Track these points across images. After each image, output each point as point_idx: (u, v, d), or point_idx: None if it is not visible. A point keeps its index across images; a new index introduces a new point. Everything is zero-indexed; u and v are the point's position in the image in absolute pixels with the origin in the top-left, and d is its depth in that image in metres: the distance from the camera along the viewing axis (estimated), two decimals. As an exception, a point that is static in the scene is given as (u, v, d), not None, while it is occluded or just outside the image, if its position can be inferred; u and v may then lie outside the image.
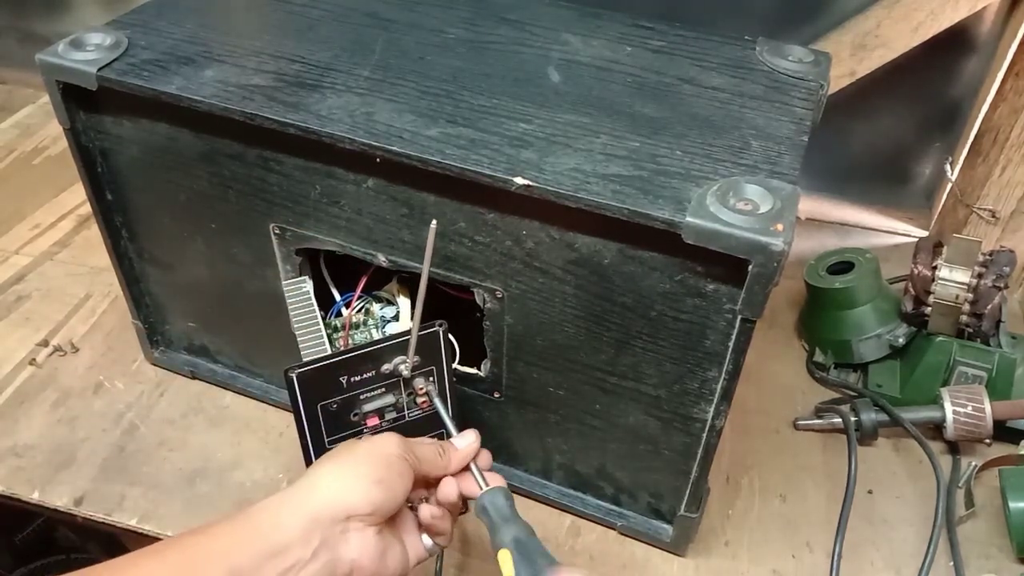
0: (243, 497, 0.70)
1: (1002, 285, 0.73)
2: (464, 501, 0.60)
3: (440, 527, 0.52)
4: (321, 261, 0.68)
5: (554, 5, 0.73)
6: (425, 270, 0.53)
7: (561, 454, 0.68)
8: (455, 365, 0.64)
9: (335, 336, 0.68)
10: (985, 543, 0.69)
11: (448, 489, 0.52)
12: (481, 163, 0.52)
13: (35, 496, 0.69)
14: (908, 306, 0.77)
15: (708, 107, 0.59)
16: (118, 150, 0.65)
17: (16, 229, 0.98)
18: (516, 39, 0.67)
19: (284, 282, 0.66)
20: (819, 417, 0.78)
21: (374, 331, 0.69)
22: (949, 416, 0.73)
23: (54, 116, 0.63)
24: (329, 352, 0.62)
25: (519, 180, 0.50)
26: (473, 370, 0.65)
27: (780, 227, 0.46)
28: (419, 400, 0.61)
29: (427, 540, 0.52)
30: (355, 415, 0.59)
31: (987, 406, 0.72)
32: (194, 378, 0.80)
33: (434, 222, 0.52)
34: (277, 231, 0.64)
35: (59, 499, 0.69)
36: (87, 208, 0.80)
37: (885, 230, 1.06)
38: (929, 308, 0.76)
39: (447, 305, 0.63)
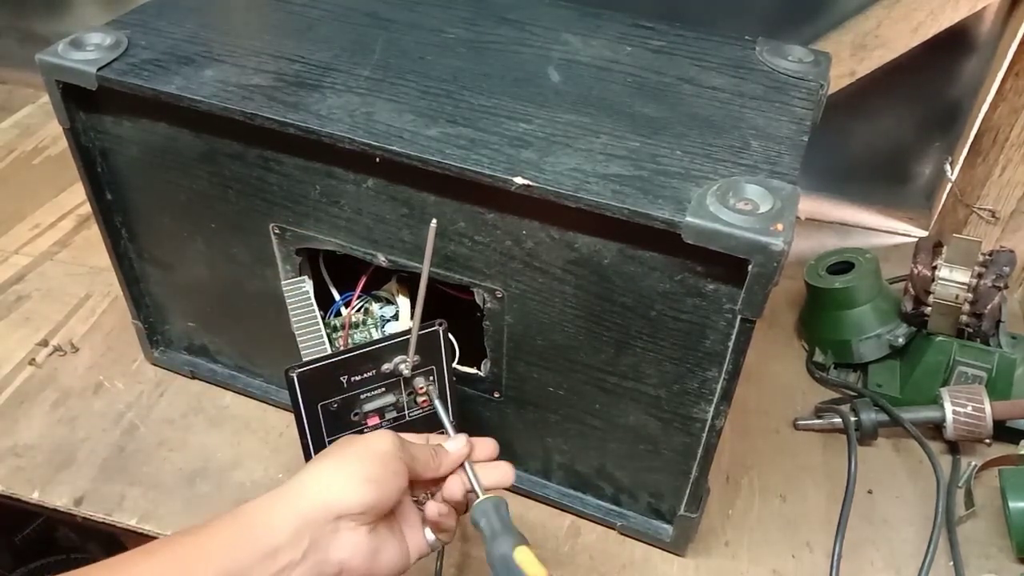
0: (243, 497, 0.69)
1: (1002, 285, 0.73)
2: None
3: (445, 524, 0.52)
4: (320, 261, 0.68)
5: (554, 5, 0.73)
6: (425, 269, 0.53)
7: (561, 454, 0.68)
8: (455, 364, 0.64)
9: (335, 336, 0.68)
10: (985, 543, 0.69)
11: (454, 488, 0.52)
12: (481, 163, 0.52)
13: (35, 496, 0.69)
14: (908, 306, 0.77)
15: (708, 107, 0.59)
16: (118, 150, 0.65)
17: (16, 229, 0.98)
18: (516, 39, 0.67)
19: (283, 282, 0.66)
20: (819, 417, 0.78)
21: (373, 331, 0.69)
22: (949, 416, 0.73)
23: (54, 116, 0.63)
24: (329, 352, 0.62)
25: (519, 180, 0.50)
26: (473, 370, 0.65)
27: (780, 227, 0.46)
28: (419, 399, 0.61)
29: (431, 535, 0.52)
30: (355, 415, 0.59)
31: (987, 406, 0.72)
32: (194, 378, 0.80)
33: (434, 221, 0.52)
34: (277, 231, 0.64)
35: (59, 499, 0.69)
36: (87, 208, 0.80)
37: (885, 230, 1.06)
38: (929, 308, 0.76)
39: (446, 305, 0.63)
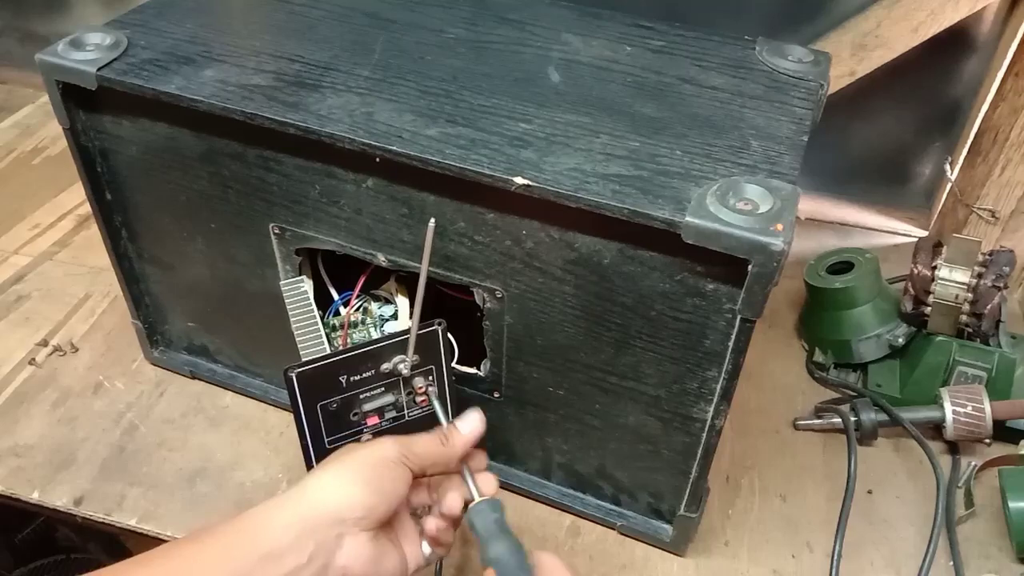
0: (243, 497, 0.70)
1: (1002, 285, 0.73)
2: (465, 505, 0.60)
3: (443, 538, 0.52)
4: (319, 260, 0.68)
5: (554, 5, 0.73)
6: (424, 269, 0.53)
7: (561, 454, 0.68)
8: (454, 364, 0.64)
9: (334, 335, 0.68)
10: (985, 543, 0.69)
11: (453, 503, 0.52)
12: (481, 163, 0.52)
13: (35, 496, 0.69)
14: (908, 306, 0.77)
15: (708, 107, 0.59)
16: (118, 150, 0.65)
17: (16, 229, 0.98)
18: (516, 39, 0.67)
19: (282, 282, 0.66)
20: (819, 417, 0.78)
21: (372, 330, 0.69)
22: (949, 416, 0.73)
23: (54, 116, 0.63)
24: (328, 351, 0.62)
25: (519, 180, 0.50)
26: (473, 370, 0.65)
27: (780, 227, 0.46)
28: (419, 399, 0.61)
29: (427, 548, 0.52)
30: (355, 415, 0.59)
31: (987, 406, 0.72)
32: (194, 378, 0.80)
33: (432, 221, 0.52)
34: (277, 231, 0.64)
35: (59, 499, 0.69)
36: (87, 208, 0.80)
37: (885, 230, 1.06)
38: (929, 308, 0.76)
39: (446, 305, 0.63)
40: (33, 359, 0.81)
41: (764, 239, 0.46)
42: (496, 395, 0.66)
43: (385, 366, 0.58)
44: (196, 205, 0.66)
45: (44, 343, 0.83)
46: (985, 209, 0.93)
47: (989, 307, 0.73)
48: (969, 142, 0.96)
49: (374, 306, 0.69)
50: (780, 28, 0.93)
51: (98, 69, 0.59)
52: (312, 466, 0.60)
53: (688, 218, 0.47)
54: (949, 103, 0.97)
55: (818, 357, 0.84)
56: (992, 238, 0.94)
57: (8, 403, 0.77)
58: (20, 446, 0.73)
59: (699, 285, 0.51)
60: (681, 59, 0.65)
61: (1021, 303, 0.93)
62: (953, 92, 0.96)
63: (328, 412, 0.58)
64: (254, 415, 0.77)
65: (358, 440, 0.60)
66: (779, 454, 0.76)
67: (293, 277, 0.66)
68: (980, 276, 0.74)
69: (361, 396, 0.59)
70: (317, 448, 0.59)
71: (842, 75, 0.90)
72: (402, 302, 0.69)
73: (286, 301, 0.65)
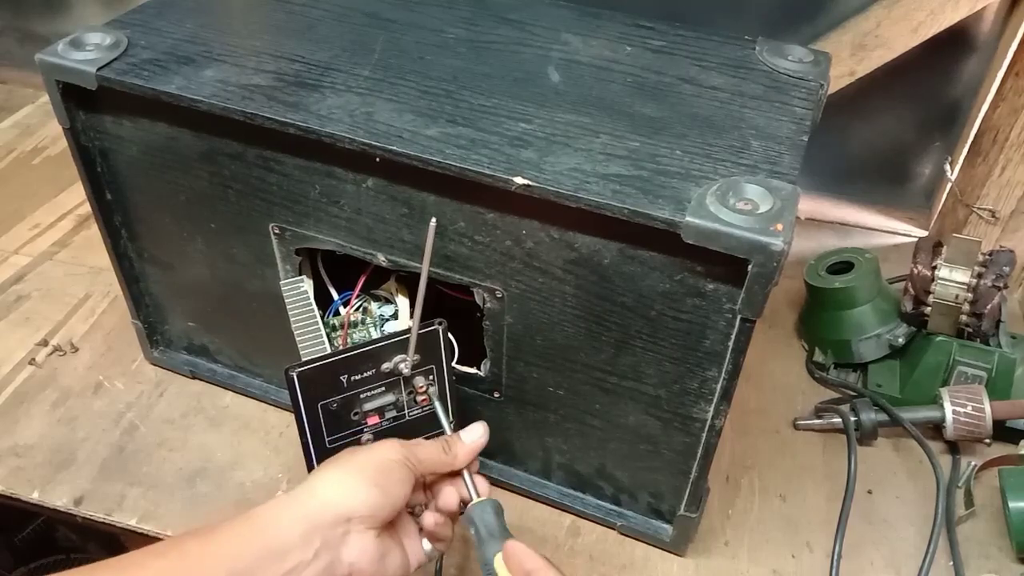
0: (243, 497, 0.70)
1: (1002, 285, 0.73)
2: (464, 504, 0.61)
3: (441, 533, 0.52)
4: (318, 260, 0.68)
5: (554, 5, 0.73)
6: (424, 268, 0.53)
7: (561, 454, 0.68)
8: (454, 364, 0.64)
9: (334, 335, 0.68)
10: (985, 543, 0.69)
11: (449, 498, 0.52)
12: (481, 163, 0.52)
13: (35, 496, 0.69)
14: (908, 306, 0.77)
15: (708, 107, 0.59)
16: (118, 150, 0.65)
17: (16, 229, 0.98)
18: (516, 39, 0.67)
19: (282, 282, 0.66)
20: (819, 417, 0.78)
21: (372, 330, 0.69)
22: (949, 416, 0.73)
23: (54, 116, 0.63)
24: (328, 351, 0.62)
25: (519, 180, 0.50)
26: (473, 370, 0.65)
27: (780, 227, 0.46)
28: (419, 399, 0.61)
29: (427, 545, 0.53)
30: (355, 414, 0.59)
31: (987, 406, 0.72)
32: (194, 378, 0.80)
33: (433, 220, 0.52)
34: (277, 231, 0.64)
35: (59, 499, 0.69)
36: (87, 208, 0.80)
37: (885, 230, 1.06)
38: (929, 308, 0.76)
39: (446, 305, 0.63)
40: (33, 359, 0.81)
41: (764, 239, 0.46)
42: (496, 395, 0.66)
43: (385, 366, 0.58)
44: (196, 205, 0.66)
45: (44, 343, 0.83)
46: (985, 209, 0.93)
47: (989, 307, 0.73)
48: (969, 142, 0.96)
49: (374, 306, 0.69)
50: (780, 28, 0.93)
51: (98, 69, 0.59)
52: (313, 466, 0.60)
53: (688, 218, 0.47)
54: (949, 103, 0.97)
55: (818, 357, 0.84)
56: (992, 238, 0.94)
57: (8, 403, 0.77)
58: (20, 446, 0.73)
59: (699, 285, 0.51)
60: (681, 59, 0.65)
61: (1021, 303, 0.93)
62: (953, 92, 0.96)
63: (328, 412, 0.58)
64: (254, 415, 0.77)
65: (358, 440, 0.60)
66: (779, 454, 0.76)
67: (293, 277, 0.66)
68: (980, 276, 0.74)
69: (361, 396, 0.59)
70: (317, 448, 0.59)
71: (842, 75, 0.90)
72: (402, 302, 0.69)
73: (286, 301, 0.65)
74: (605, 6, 0.72)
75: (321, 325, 0.64)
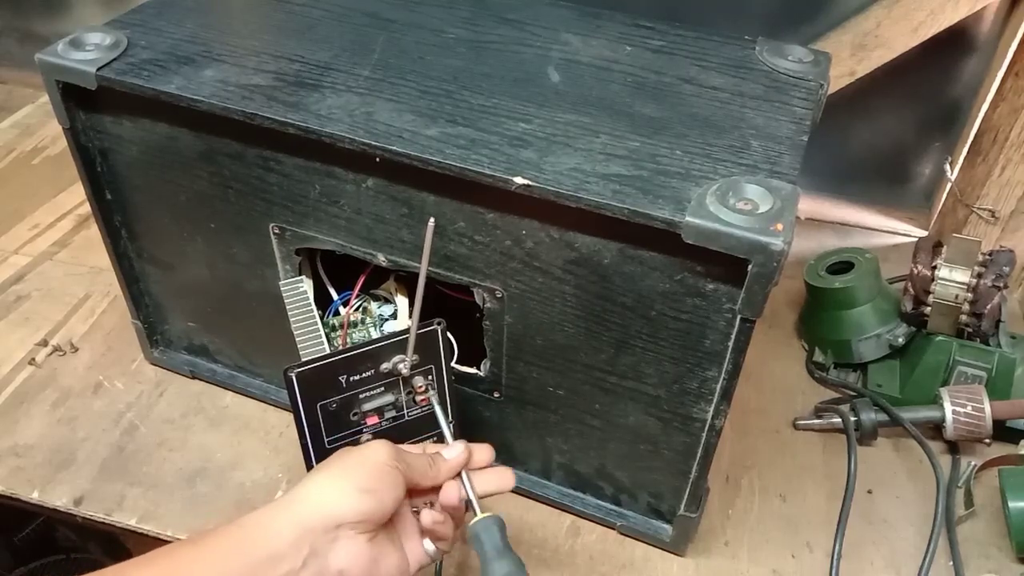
0: (243, 497, 0.70)
1: (1002, 285, 0.73)
2: (466, 505, 0.60)
3: (442, 532, 0.52)
4: (317, 260, 0.68)
5: (554, 5, 0.73)
6: (423, 268, 0.53)
7: (561, 454, 0.68)
8: (453, 364, 0.64)
9: (333, 335, 0.68)
10: (985, 543, 0.69)
11: (450, 494, 0.52)
12: (481, 163, 0.52)
13: (35, 496, 0.69)
14: (908, 306, 0.77)
15: (708, 107, 0.59)
16: (118, 150, 0.65)
17: (16, 229, 0.98)
18: (516, 39, 0.67)
19: (281, 282, 0.66)
20: (819, 417, 0.78)
21: (372, 330, 0.69)
22: (949, 416, 0.73)
23: (54, 116, 0.63)
24: (328, 351, 0.62)
25: (519, 180, 0.50)
26: (473, 370, 0.65)
27: (780, 227, 0.46)
28: (419, 399, 0.61)
29: (429, 545, 0.52)
30: (355, 414, 0.59)
31: (986, 406, 0.72)
32: (194, 378, 0.80)
33: (431, 220, 0.52)
34: (277, 231, 0.64)
35: (59, 499, 0.69)
36: (87, 208, 0.80)
37: (885, 230, 1.06)
38: (929, 308, 0.76)
39: (446, 305, 0.63)
40: (33, 359, 0.81)
41: (764, 239, 0.46)
42: (496, 395, 0.66)
43: (385, 366, 0.58)
44: (196, 205, 0.66)
45: (44, 343, 0.83)
46: (985, 209, 0.93)
47: (989, 307, 0.73)
48: (969, 142, 0.96)
49: (373, 306, 0.69)
50: (780, 28, 0.93)
51: (98, 69, 0.59)
52: (312, 466, 0.60)
53: (688, 218, 0.47)
54: (949, 103, 0.97)
55: (818, 357, 0.84)
56: (992, 238, 0.94)
57: (8, 403, 0.77)
58: (20, 446, 0.73)
59: (699, 285, 0.51)
60: (681, 59, 0.65)
61: (1021, 303, 0.93)
62: (953, 92, 0.96)
63: (328, 412, 0.58)
64: (254, 415, 0.77)
65: (358, 440, 0.60)
66: (779, 454, 0.76)
67: (292, 277, 0.66)
68: (980, 276, 0.74)
69: (361, 396, 0.59)
70: (317, 448, 0.59)
71: (842, 75, 0.90)
72: (401, 301, 0.69)
73: (285, 301, 0.65)
74: (605, 6, 0.72)
75: (320, 325, 0.64)
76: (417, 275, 0.55)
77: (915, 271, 0.76)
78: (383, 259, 0.61)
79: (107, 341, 0.84)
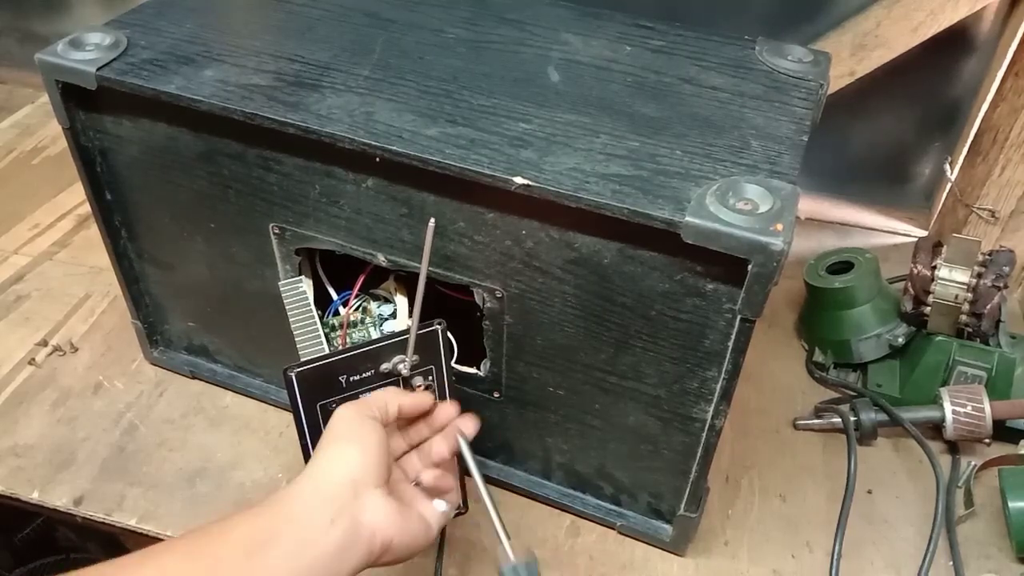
0: (243, 497, 0.70)
1: (1001, 285, 0.73)
2: (465, 500, 0.61)
3: (444, 486, 0.53)
4: (316, 260, 0.68)
5: (554, 5, 0.73)
6: (423, 269, 0.53)
7: (561, 454, 0.68)
8: (453, 364, 0.64)
9: (333, 335, 0.68)
10: (985, 543, 0.69)
11: (438, 447, 0.54)
12: (481, 163, 0.52)
13: (35, 496, 0.69)
14: (908, 306, 0.77)
15: (708, 107, 0.59)
16: (118, 150, 0.65)
17: (15, 229, 0.98)
18: (516, 39, 0.67)
19: (280, 282, 0.66)
20: (819, 417, 0.78)
21: (372, 330, 0.69)
22: (949, 416, 0.73)
23: (53, 116, 0.63)
24: (327, 351, 0.62)
25: (519, 180, 0.50)
26: (473, 370, 0.65)
27: (780, 227, 0.46)
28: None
29: (440, 504, 0.53)
30: (355, 415, 0.59)
31: (986, 406, 0.72)
32: (194, 378, 0.80)
33: (432, 220, 0.52)
34: (277, 231, 0.64)
35: (59, 499, 0.69)
36: (87, 208, 0.80)
37: (885, 230, 1.06)
38: (929, 308, 0.76)
39: (446, 305, 0.63)
40: (33, 359, 0.81)
41: (764, 239, 0.46)
42: (496, 395, 0.66)
43: (385, 366, 0.58)
44: (196, 205, 0.66)
45: (44, 343, 0.83)
46: (985, 209, 0.93)
47: (989, 307, 0.73)
48: (969, 142, 0.96)
49: (373, 305, 0.69)
50: (780, 28, 0.93)
51: (98, 69, 0.59)
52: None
53: (688, 218, 0.47)
54: (949, 103, 0.97)
55: (818, 357, 0.84)
56: (992, 238, 0.94)
57: (8, 403, 0.77)
58: (20, 446, 0.73)
59: (699, 285, 0.51)
60: (681, 59, 0.65)
61: (1021, 303, 0.93)
62: (953, 92, 0.96)
63: (328, 412, 0.58)
64: (254, 415, 0.77)
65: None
66: (779, 454, 0.76)
67: (292, 277, 0.66)
68: (980, 276, 0.74)
69: (360, 396, 0.59)
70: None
71: (842, 75, 0.90)
72: (401, 301, 0.69)
73: (285, 302, 0.65)
74: (605, 6, 0.71)
75: (320, 325, 0.64)
76: (417, 275, 0.55)
77: (915, 271, 0.76)
78: (383, 259, 0.61)
79: (107, 341, 0.84)
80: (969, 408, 0.72)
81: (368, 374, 0.58)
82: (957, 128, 0.98)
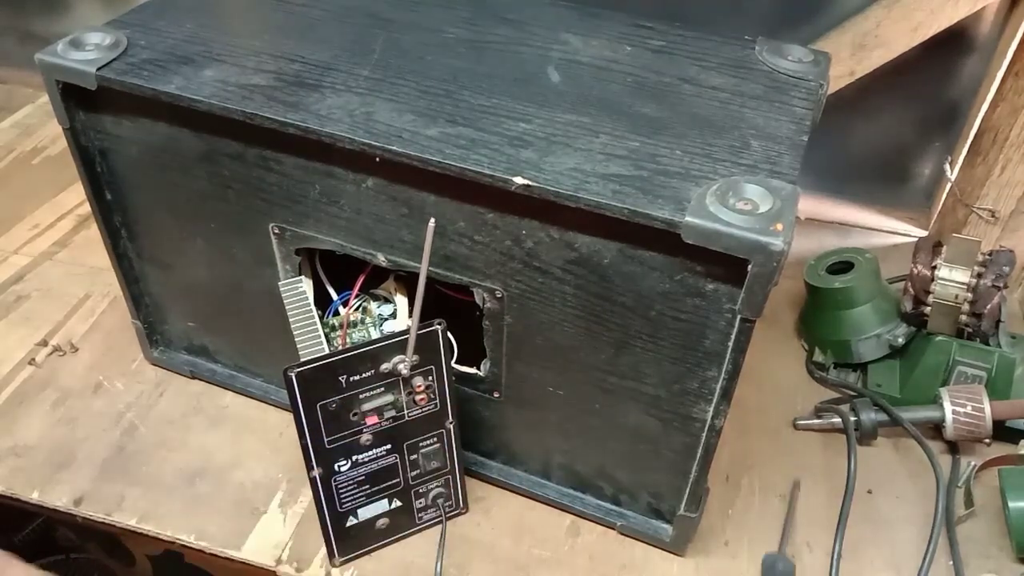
0: (243, 497, 0.70)
1: (1001, 285, 0.73)
2: (465, 500, 0.61)
3: None
4: (316, 260, 0.68)
5: (554, 5, 0.73)
6: (423, 269, 0.53)
7: (561, 454, 0.68)
8: (453, 364, 0.64)
9: (333, 335, 0.68)
10: (985, 543, 0.69)
11: None
12: (481, 163, 0.52)
13: (35, 496, 0.69)
14: (907, 306, 0.77)
15: (708, 107, 0.59)
16: (118, 150, 0.65)
17: (15, 229, 0.98)
18: (516, 39, 0.67)
19: (280, 282, 0.66)
20: (819, 417, 0.78)
21: (372, 329, 0.69)
22: (948, 416, 0.73)
23: (53, 116, 0.63)
24: (327, 351, 0.62)
25: (519, 180, 0.50)
26: (473, 370, 0.65)
27: (780, 227, 0.46)
28: (418, 399, 0.61)
29: None
30: (354, 415, 0.59)
31: (986, 406, 0.72)
32: (194, 378, 0.80)
33: (432, 220, 0.52)
34: (277, 231, 0.64)
35: (59, 499, 0.69)
36: (87, 208, 0.80)
37: (885, 230, 1.06)
38: (928, 308, 0.76)
39: (445, 305, 0.63)
40: (33, 359, 0.81)
41: (764, 239, 0.46)
42: (496, 395, 0.66)
43: (384, 366, 0.58)
44: (196, 205, 0.66)
45: (44, 343, 0.83)
46: (985, 209, 0.93)
47: (989, 307, 0.73)
48: (969, 142, 0.96)
49: (373, 305, 0.69)
50: (780, 28, 0.93)
51: (98, 69, 0.59)
52: (312, 466, 0.60)
53: (688, 218, 0.47)
54: (949, 103, 0.97)
55: (818, 357, 0.84)
56: (992, 238, 0.94)
57: (8, 403, 0.77)
58: (20, 446, 0.73)
59: (699, 285, 0.51)
60: (681, 59, 0.65)
61: (1021, 303, 0.93)
62: (953, 92, 0.96)
63: (328, 412, 0.58)
64: (254, 415, 0.77)
65: (358, 440, 0.60)
66: (779, 454, 0.76)
67: (292, 277, 0.66)
68: (980, 276, 0.74)
69: (361, 396, 0.59)
70: (317, 448, 0.59)
71: (842, 75, 0.90)
72: (401, 301, 0.69)
73: (284, 302, 0.65)
74: (605, 6, 0.71)
75: (320, 325, 0.64)
76: (417, 275, 0.55)
77: (915, 271, 0.76)
78: (383, 259, 0.61)
79: (107, 341, 0.84)
80: (969, 408, 0.72)
81: (368, 374, 0.58)
82: (957, 128, 0.98)
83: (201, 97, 0.57)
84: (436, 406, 0.62)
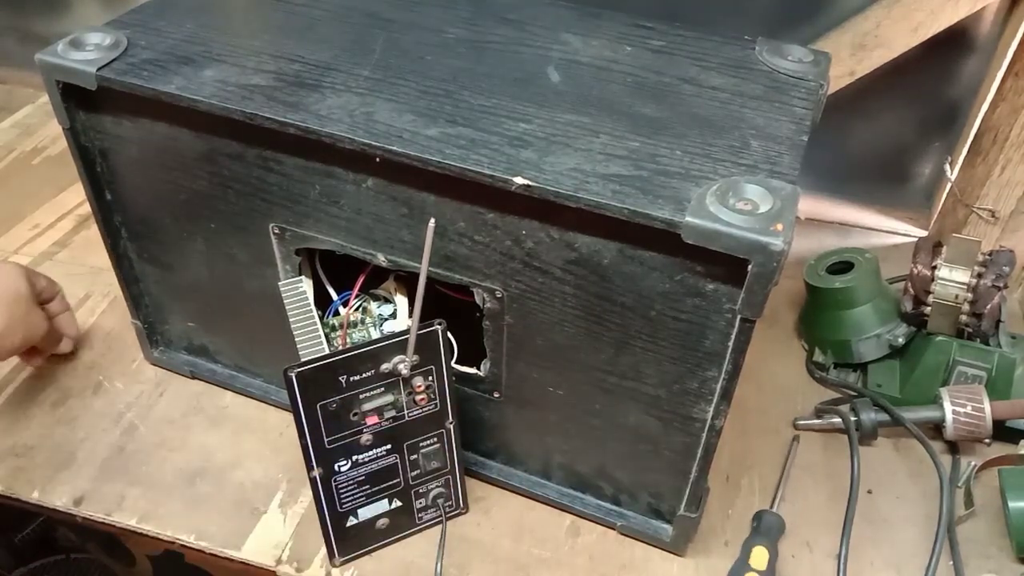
0: (243, 497, 0.70)
1: (1002, 285, 0.73)
2: (464, 500, 0.61)
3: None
4: (316, 260, 0.68)
5: (554, 5, 0.73)
6: (423, 269, 0.53)
7: (561, 454, 0.68)
8: (453, 364, 0.64)
9: (333, 335, 0.68)
10: (985, 543, 0.69)
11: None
12: (481, 163, 0.52)
13: (35, 496, 0.69)
14: (908, 306, 0.77)
15: (708, 107, 0.59)
16: (118, 150, 0.65)
17: (16, 229, 0.98)
18: (516, 39, 0.67)
19: (280, 283, 0.66)
20: (819, 417, 0.78)
21: (372, 330, 0.69)
22: (949, 416, 0.73)
23: (54, 116, 0.63)
24: (327, 351, 0.62)
25: (519, 180, 0.50)
26: (473, 370, 0.65)
27: (780, 227, 0.46)
28: (418, 399, 0.61)
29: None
30: (355, 414, 0.59)
31: (986, 406, 0.72)
32: (194, 378, 0.80)
33: (432, 221, 0.52)
34: (277, 231, 0.64)
35: (59, 499, 0.69)
36: (87, 208, 0.80)
37: (885, 230, 1.06)
38: (929, 308, 0.76)
39: (445, 305, 0.63)
40: (33, 359, 0.81)
41: (764, 239, 0.46)
42: (496, 395, 0.66)
43: (385, 366, 0.58)
44: (196, 205, 0.66)
45: (44, 343, 0.83)
46: (985, 209, 0.93)
47: (989, 307, 0.73)
48: (969, 142, 0.96)
49: (373, 305, 0.69)
50: (780, 28, 0.93)
51: (98, 69, 0.59)
52: (312, 466, 0.60)
53: (688, 218, 0.47)
54: (949, 103, 0.97)
55: (818, 357, 0.84)
56: (992, 238, 0.94)
57: (8, 403, 0.77)
58: (20, 446, 0.73)
59: (699, 285, 0.51)
60: (681, 59, 0.65)
61: (1021, 303, 0.93)
62: (953, 92, 0.96)
63: (328, 412, 0.58)
64: (254, 415, 0.77)
65: (358, 440, 0.60)
66: (779, 454, 0.76)
67: (292, 277, 0.66)
68: (980, 276, 0.74)
69: (361, 396, 0.59)
70: (317, 448, 0.59)
71: (842, 75, 0.90)
72: (401, 301, 0.69)
73: (284, 302, 0.65)
74: (605, 6, 0.71)
75: (320, 325, 0.64)
76: (417, 275, 0.55)
77: (915, 271, 0.76)
78: (383, 259, 0.61)
79: (107, 341, 0.84)
80: (969, 408, 0.72)
81: (368, 374, 0.58)
82: (957, 128, 0.98)
83: (201, 97, 0.57)
84: (436, 406, 0.62)
